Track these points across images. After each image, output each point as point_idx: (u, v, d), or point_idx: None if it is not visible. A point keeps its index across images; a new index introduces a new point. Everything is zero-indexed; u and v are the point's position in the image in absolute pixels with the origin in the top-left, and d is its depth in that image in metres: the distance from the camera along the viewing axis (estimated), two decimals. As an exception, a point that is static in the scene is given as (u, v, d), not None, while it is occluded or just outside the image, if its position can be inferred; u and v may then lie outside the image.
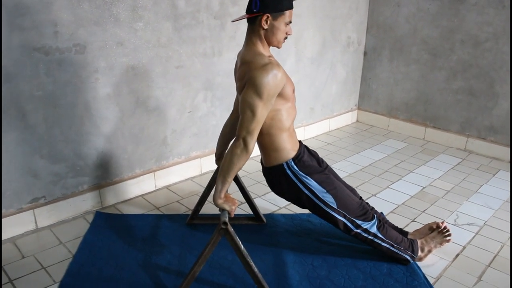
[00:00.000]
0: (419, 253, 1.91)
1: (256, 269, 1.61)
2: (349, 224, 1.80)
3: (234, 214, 1.82)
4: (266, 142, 1.76)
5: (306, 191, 1.77)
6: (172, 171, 2.66)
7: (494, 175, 2.91)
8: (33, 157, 2.05)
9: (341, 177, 2.02)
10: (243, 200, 2.33)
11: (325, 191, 1.77)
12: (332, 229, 2.09)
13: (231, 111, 2.07)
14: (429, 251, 1.93)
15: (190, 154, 2.74)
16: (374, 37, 3.73)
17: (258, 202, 2.40)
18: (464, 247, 2.07)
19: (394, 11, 3.52)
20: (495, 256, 2.01)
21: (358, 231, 1.81)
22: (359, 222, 1.81)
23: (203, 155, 2.81)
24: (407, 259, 1.87)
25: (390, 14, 3.55)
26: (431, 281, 1.82)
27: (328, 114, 3.72)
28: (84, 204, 2.29)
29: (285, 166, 1.77)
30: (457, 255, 2.01)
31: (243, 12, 2.71)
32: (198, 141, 2.76)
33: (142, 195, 2.53)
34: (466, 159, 3.17)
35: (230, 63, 2.73)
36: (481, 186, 2.73)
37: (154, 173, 2.57)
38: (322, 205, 1.77)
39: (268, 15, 1.60)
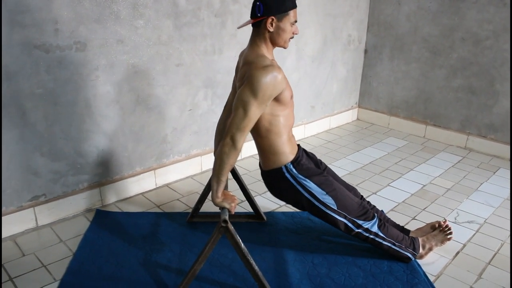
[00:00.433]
0: (420, 250, 1.91)
1: (256, 267, 1.61)
2: (350, 225, 1.80)
3: (235, 212, 1.82)
4: (265, 145, 1.76)
5: (305, 194, 1.76)
6: (173, 169, 2.66)
7: (494, 173, 2.91)
8: (34, 155, 2.05)
9: (341, 176, 2.02)
10: (243, 198, 2.33)
11: (325, 193, 1.77)
12: (333, 227, 2.09)
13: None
14: (430, 249, 1.93)
15: (190, 152, 2.74)
16: (375, 35, 3.72)
17: (258, 200, 2.40)
18: (464, 245, 2.07)
19: (395, 9, 3.51)
20: (495, 254, 2.01)
21: (359, 231, 1.81)
22: (360, 222, 1.81)
23: (203, 153, 2.81)
24: (409, 256, 1.88)
25: (391, 12, 3.55)
26: (432, 279, 1.82)
27: (329, 112, 3.72)
28: (85, 202, 2.29)
29: (284, 170, 1.76)
30: (458, 253, 2.01)
31: (244, 10, 2.72)
32: (199, 139, 2.76)
33: (142, 193, 2.53)
34: (467, 157, 3.18)
35: (230, 61, 2.72)
36: (482, 184, 2.73)
37: (155, 171, 2.57)
38: (322, 207, 1.77)
39: (273, 17, 1.59)
